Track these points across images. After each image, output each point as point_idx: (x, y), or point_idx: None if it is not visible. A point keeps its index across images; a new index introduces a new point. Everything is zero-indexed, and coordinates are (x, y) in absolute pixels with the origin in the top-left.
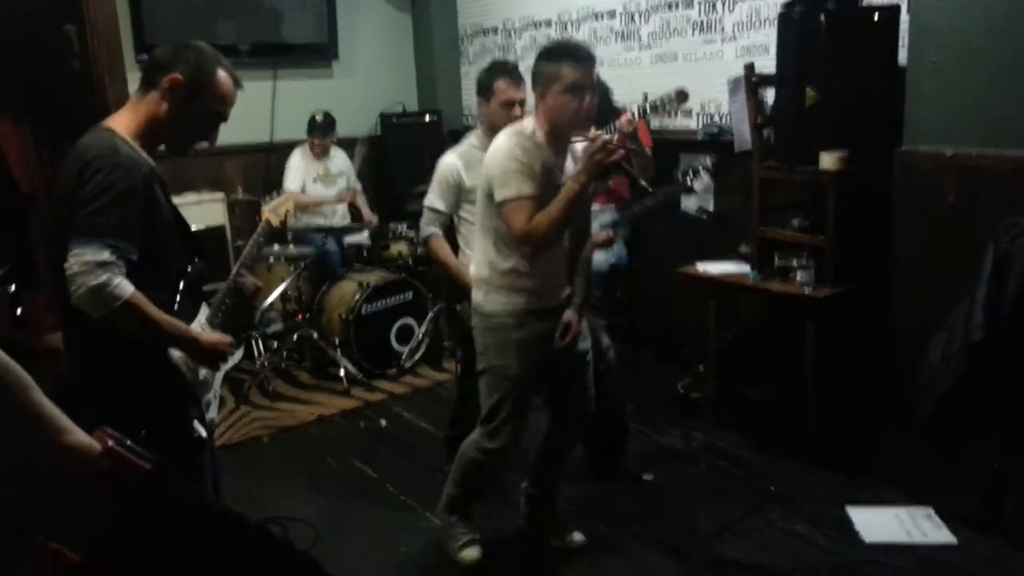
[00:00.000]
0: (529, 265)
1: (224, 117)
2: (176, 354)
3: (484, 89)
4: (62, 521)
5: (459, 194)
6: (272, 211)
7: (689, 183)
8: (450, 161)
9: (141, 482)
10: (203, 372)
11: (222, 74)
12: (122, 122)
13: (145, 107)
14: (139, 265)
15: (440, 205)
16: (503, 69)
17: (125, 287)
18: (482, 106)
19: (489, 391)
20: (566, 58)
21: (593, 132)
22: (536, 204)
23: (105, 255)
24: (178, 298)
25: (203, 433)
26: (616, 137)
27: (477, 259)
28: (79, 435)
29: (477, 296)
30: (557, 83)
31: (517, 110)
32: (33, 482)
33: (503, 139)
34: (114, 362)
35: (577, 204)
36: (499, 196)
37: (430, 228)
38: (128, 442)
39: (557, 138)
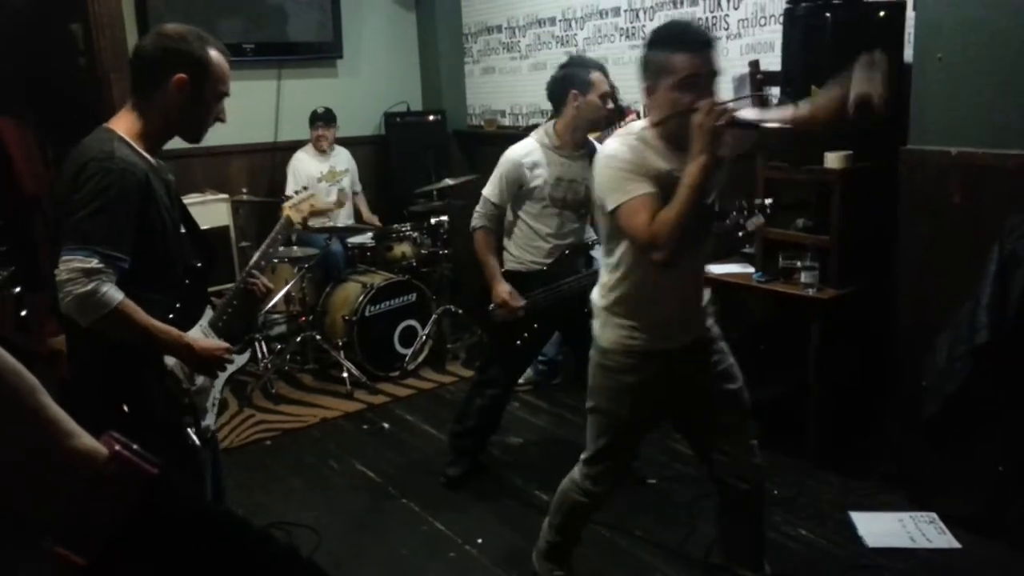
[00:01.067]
0: (651, 292)
1: (228, 93)
2: (170, 360)
3: (581, 82)
4: (68, 524)
5: (519, 190)
6: (294, 207)
7: (742, 222)
8: (515, 159)
9: (147, 486)
10: (200, 379)
11: (215, 54)
12: (125, 124)
13: (151, 109)
14: (138, 268)
15: (496, 197)
16: (595, 63)
17: (113, 295)
18: (575, 100)
19: (597, 432)
20: (676, 46)
21: (695, 100)
22: (657, 201)
23: (93, 262)
24: (179, 301)
25: (196, 441)
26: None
27: (597, 287)
28: (85, 439)
29: (595, 326)
30: (667, 77)
31: (611, 104)
32: (39, 485)
33: (607, 145)
34: (104, 367)
35: (702, 190)
36: (610, 204)
37: (481, 220)
38: (135, 446)
39: (671, 136)
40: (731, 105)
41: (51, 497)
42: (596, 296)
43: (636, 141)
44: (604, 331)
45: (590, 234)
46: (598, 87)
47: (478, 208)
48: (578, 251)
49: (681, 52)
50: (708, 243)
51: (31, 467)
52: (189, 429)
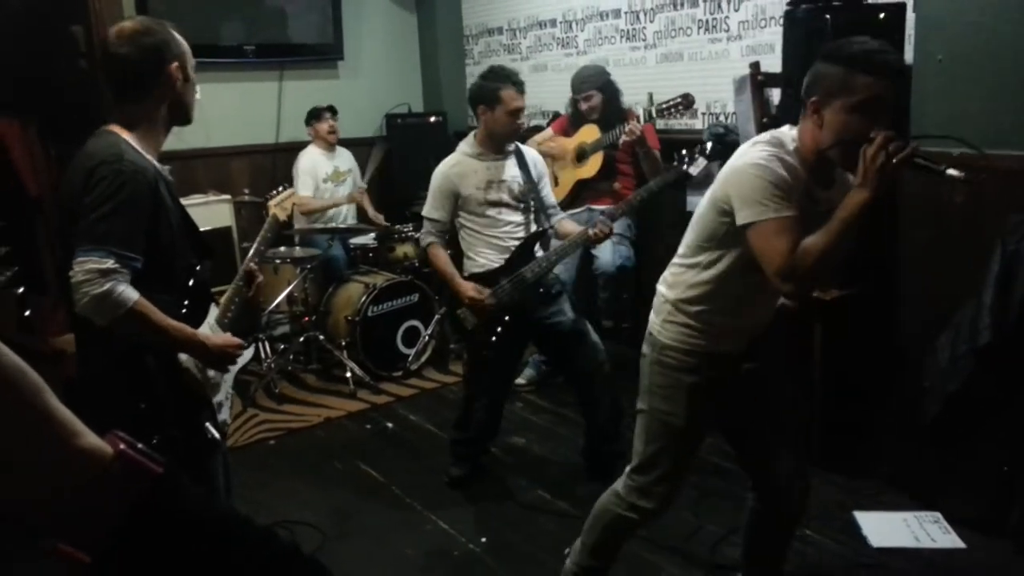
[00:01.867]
0: (732, 306)
1: (195, 65)
2: (184, 356)
3: (488, 96)
4: (73, 523)
5: (455, 202)
6: (278, 205)
7: (686, 167)
8: (443, 171)
9: (152, 485)
10: (212, 374)
11: (176, 34)
12: (127, 126)
13: (151, 109)
14: (146, 269)
15: (436, 215)
16: (507, 76)
17: (129, 294)
18: (484, 113)
19: (647, 437)
20: (862, 64)
21: (874, 132)
22: (798, 229)
23: (109, 263)
24: (186, 300)
25: (216, 435)
26: (622, 141)
27: (667, 275)
28: (91, 438)
29: (653, 319)
30: (843, 97)
31: (522, 119)
32: (45, 484)
33: (753, 151)
34: (125, 366)
35: (855, 228)
36: (744, 218)
37: (428, 238)
38: (139, 445)
39: (821, 163)
40: (908, 145)
41: (57, 495)
42: (666, 288)
43: (789, 156)
44: (666, 326)
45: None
46: (507, 103)
47: (423, 228)
48: (531, 240)
49: (866, 73)
50: None
51: (37, 466)
52: (208, 424)
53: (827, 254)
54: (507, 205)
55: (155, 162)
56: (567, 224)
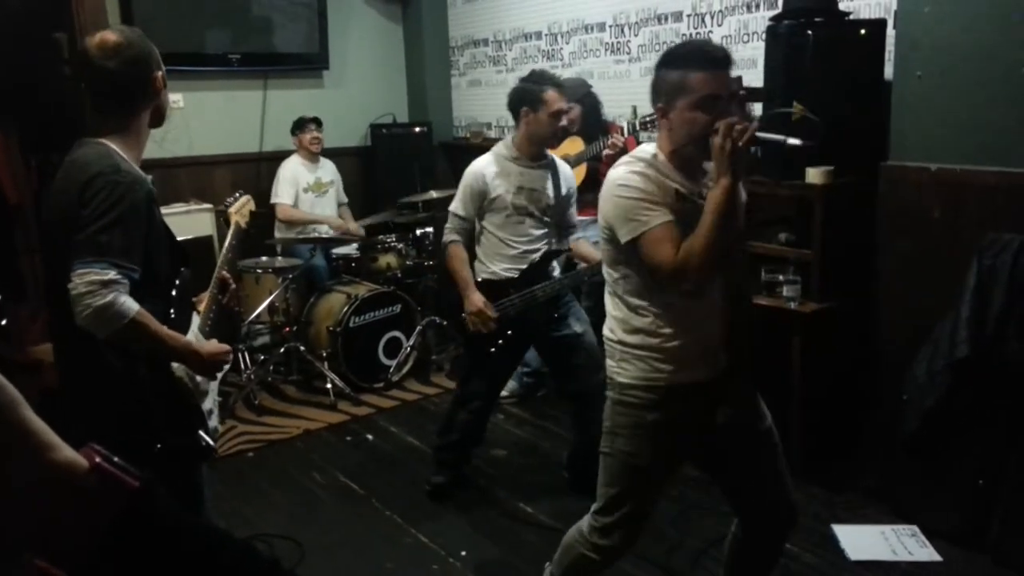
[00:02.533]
0: (672, 321)
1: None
2: (175, 364)
3: (532, 98)
4: (49, 537)
5: (483, 202)
6: (238, 212)
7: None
8: (477, 170)
9: (129, 499)
10: (200, 380)
11: (146, 40)
12: (115, 138)
13: (139, 120)
14: (140, 279)
15: (462, 211)
16: (550, 78)
17: (130, 305)
18: (526, 115)
19: (610, 479)
20: (694, 64)
21: (716, 123)
22: (676, 228)
23: (110, 274)
24: (172, 310)
25: (210, 442)
26: (605, 153)
27: (607, 321)
28: (66, 451)
29: (609, 364)
30: (684, 96)
31: (565, 121)
32: (20, 498)
33: (614, 173)
34: (116, 376)
35: (728, 214)
36: (625, 235)
37: (451, 235)
38: (116, 459)
39: (685, 163)
40: (750, 125)
41: (31, 510)
42: (609, 331)
43: (647, 168)
44: (622, 366)
45: (572, 236)
46: (549, 104)
47: (447, 224)
48: (548, 257)
49: (699, 71)
50: (730, 270)
51: (12, 480)
52: (200, 431)
53: (710, 247)
54: (532, 215)
55: (140, 172)
56: (584, 245)
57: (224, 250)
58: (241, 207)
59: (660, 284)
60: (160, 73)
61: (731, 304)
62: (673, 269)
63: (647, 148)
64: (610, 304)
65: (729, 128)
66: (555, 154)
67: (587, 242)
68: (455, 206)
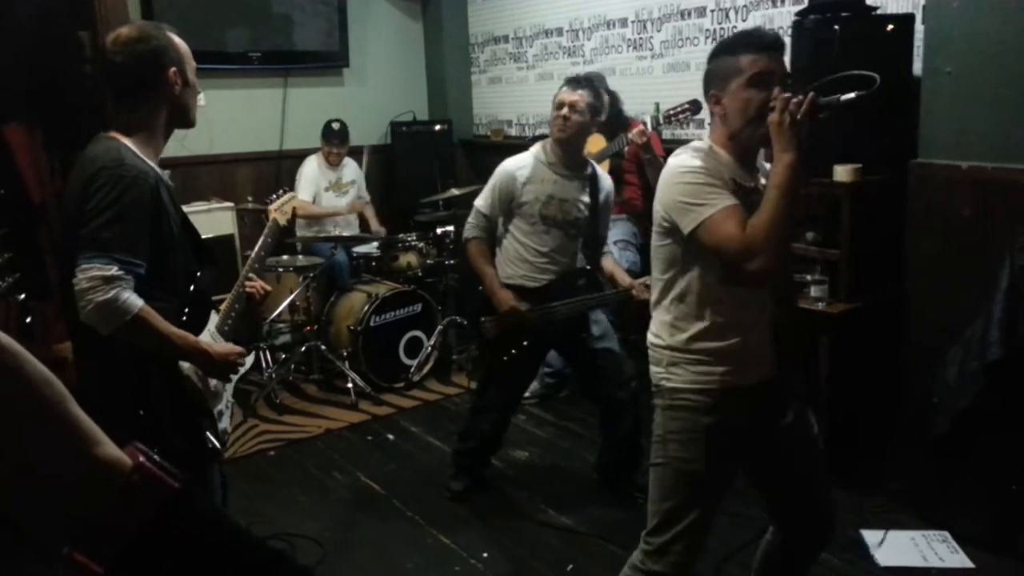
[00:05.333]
0: (725, 322)
1: (195, 67)
2: (186, 365)
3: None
4: (90, 532)
5: (511, 204)
6: (279, 210)
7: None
8: (509, 170)
9: (169, 500)
10: (213, 383)
11: (175, 36)
12: (126, 132)
13: (152, 114)
14: (146, 274)
15: (488, 210)
16: (570, 78)
17: (134, 302)
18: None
19: (664, 491)
20: (744, 47)
21: (772, 100)
22: (743, 212)
23: (113, 270)
24: (187, 308)
25: (217, 444)
26: (627, 148)
27: (652, 327)
28: (111, 448)
29: (655, 371)
30: (736, 77)
31: (565, 110)
32: (65, 492)
33: (673, 161)
34: (126, 375)
35: (793, 191)
36: (688, 224)
37: (473, 232)
38: (157, 458)
39: (743, 149)
40: (805, 98)
41: (76, 504)
42: (655, 337)
43: (705, 155)
44: (672, 372)
45: (595, 258)
46: (556, 99)
47: (470, 219)
48: (574, 275)
49: (750, 52)
50: (781, 271)
51: (60, 475)
52: (208, 433)
53: (776, 223)
54: (559, 226)
55: (155, 167)
56: (610, 263)
57: (257, 247)
58: (282, 204)
59: (724, 270)
60: (173, 70)
61: (779, 306)
62: (740, 247)
63: (699, 142)
64: (658, 310)
65: (786, 102)
66: None
67: (610, 258)
68: (481, 202)
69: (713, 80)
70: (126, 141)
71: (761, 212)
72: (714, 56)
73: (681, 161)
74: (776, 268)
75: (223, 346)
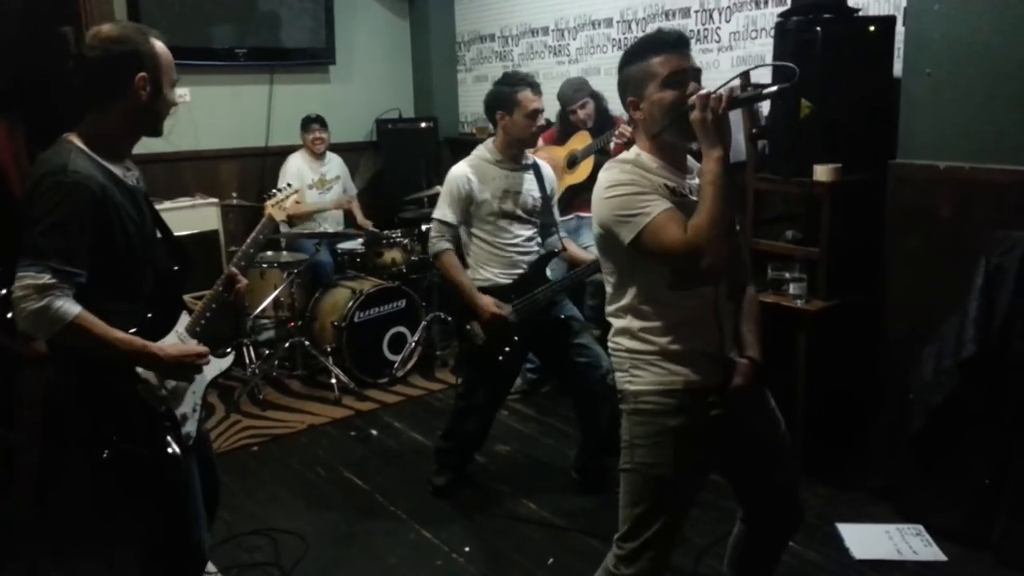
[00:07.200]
0: (681, 322)
1: (176, 79)
2: (142, 368)
3: (505, 101)
4: None
5: (469, 206)
6: (277, 206)
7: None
8: (460, 173)
9: None
10: (171, 384)
11: (158, 44)
12: (85, 134)
13: (113, 116)
14: (101, 280)
15: (451, 217)
16: (523, 79)
17: (68, 309)
18: (502, 119)
19: (634, 497)
20: (652, 51)
21: (689, 98)
22: (680, 214)
23: (45, 278)
24: (150, 309)
25: (176, 450)
26: (612, 145)
27: (612, 333)
28: None
29: (619, 375)
30: (651, 81)
31: (541, 120)
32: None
33: (602, 176)
34: (79, 376)
35: (727, 184)
36: (628, 234)
37: (441, 243)
38: None
39: (671, 151)
40: (723, 91)
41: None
42: (614, 344)
43: (632, 166)
44: (634, 375)
45: (554, 241)
46: (524, 106)
47: (433, 234)
48: (543, 260)
49: (660, 54)
50: (736, 270)
51: None
52: (168, 437)
53: (717, 218)
54: (519, 219)
55: (115, 169)
56: (572, 245)
57: (247, 242)
58: (281, 200)
59: (674, 274)
60: (143, 75)
61: (730, 298)
62: (685, 248)
63: (628, 153)
64: (614, 317)
65: (704, 98)
66: (564, 149)
67: (570, 240)
68: (440, 212)
69: (629, 87)
70: (82, 144)
71: (700, 210)
72: (625, 63)
73: (610, 176)
74: (726, 260)
75: (177, 347)
